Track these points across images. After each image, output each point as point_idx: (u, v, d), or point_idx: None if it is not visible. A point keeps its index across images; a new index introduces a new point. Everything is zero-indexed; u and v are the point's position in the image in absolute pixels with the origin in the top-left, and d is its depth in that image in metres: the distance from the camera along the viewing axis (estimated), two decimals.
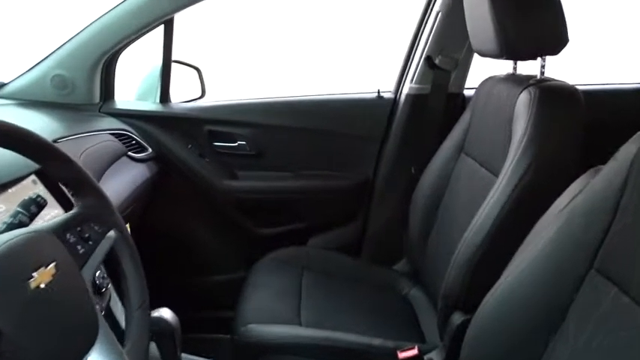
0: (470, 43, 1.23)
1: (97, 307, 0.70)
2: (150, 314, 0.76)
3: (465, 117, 1.35)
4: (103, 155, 1.32)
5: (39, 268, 0.58)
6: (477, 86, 1.34)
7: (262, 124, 1.68)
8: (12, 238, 0.57)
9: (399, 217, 1.59)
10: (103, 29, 1.45)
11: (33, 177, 0.91)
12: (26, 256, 0.58)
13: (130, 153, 1.47)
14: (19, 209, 0.72)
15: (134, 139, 1.53)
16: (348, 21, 5.38)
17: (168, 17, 1.48)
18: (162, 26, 1.54)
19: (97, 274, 0.82)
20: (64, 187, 0.74)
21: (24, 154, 0.65)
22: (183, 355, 1.11)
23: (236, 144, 1.69)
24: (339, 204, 1.73)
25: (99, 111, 1.55)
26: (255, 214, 1.72)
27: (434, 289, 1.27)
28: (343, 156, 1.72)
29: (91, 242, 0.70)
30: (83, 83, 1.50)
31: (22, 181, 0.88)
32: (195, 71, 1.80)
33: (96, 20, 1.45)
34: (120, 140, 1.46)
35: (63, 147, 0.70)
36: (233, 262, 1.74)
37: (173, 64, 1.66)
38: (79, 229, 0.69)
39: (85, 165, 0.76)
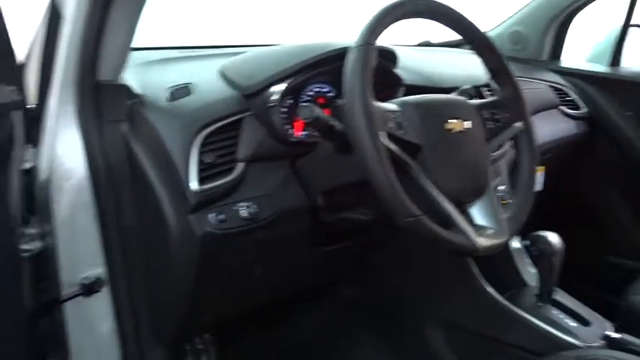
0: None
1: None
2: (532, 200, 0.83)
3: None
4: (533, 100, 1.41)
5: (455, 119, 0.76)
6: None
7: None
8: (437, 97, 0.79)
9: None
10: None
11: None
12: (445, 108, 0.77)
13: (562, 107, 1.51)
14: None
15: (570, 96, 1.55)
16: None
17: None
18: None
19: None
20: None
21: (462, 35, 0.83)
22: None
23: None
24: None
25: (544, 67, 1.65)
26: None
27: None
28: None
29: (499, 123, 0.83)
30: (535, 40, 1.63)
31: None
32: None
33: None
34: (557, 94, 1.52)
35: None
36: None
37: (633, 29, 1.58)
38: (493, 111, 0.84)
39: None
